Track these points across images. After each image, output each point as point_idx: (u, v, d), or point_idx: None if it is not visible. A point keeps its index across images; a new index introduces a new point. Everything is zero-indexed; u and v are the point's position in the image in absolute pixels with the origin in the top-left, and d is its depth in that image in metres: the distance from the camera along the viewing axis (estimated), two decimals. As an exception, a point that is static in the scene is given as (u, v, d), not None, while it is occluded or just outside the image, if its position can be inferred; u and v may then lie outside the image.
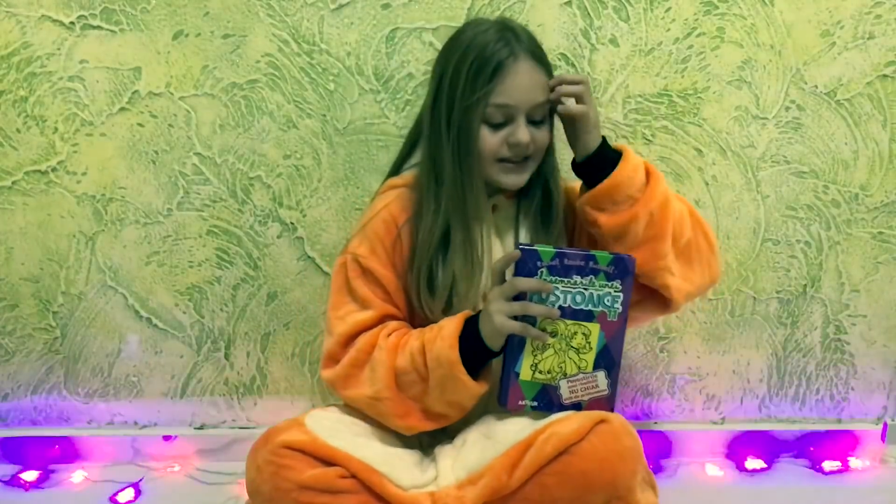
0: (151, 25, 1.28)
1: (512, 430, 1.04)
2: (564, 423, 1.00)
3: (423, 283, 1.10)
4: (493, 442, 1.04)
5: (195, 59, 1.30)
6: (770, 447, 1.45)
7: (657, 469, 1.40)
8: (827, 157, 1.37)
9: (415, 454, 1.11)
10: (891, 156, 1.37)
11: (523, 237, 1.15)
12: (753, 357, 1.45)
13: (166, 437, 1.43)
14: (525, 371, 1.03)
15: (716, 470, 1.41)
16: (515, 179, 1.11)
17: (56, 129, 1.32)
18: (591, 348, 1.03)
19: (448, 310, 1.11)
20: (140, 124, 1.32)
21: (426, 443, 1.17)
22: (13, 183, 1.34)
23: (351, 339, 1.11)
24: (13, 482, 1.37)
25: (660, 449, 1.45)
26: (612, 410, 1.04)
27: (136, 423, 1.46)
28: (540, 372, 1.03)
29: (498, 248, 1.15)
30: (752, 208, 1.38)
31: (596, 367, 1.03)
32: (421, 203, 1.12)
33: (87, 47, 1.29)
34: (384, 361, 1.06)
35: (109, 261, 1.38)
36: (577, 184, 1.15)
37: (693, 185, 1.37)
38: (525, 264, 1.00)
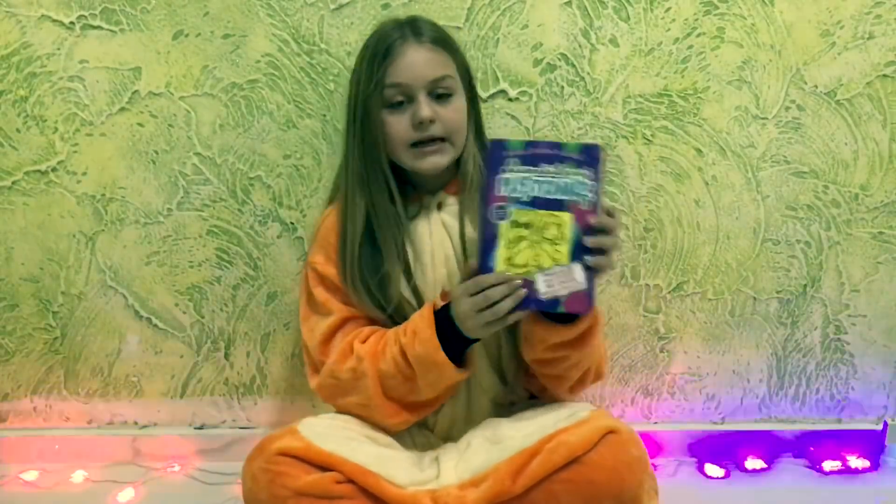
0: (151, 25, 1.28)
1: (518, 436, 1.04)
2: (573, 433, 1.00)
3: (360, 289, 1.11)
4: (499, 447, 1.04)
5: (195, 59, 1.30)
6: (770, 447, 1.45)
7: (657, 469, 1.40)
8: (827, 157, 1.37)
9: (411, 455, 1.11)
10: (891, 156, 1.37)
11: (469, 233, 1.13)
12: (753, 357, 1.45)
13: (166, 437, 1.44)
14: (500, 265, 0.99)
15: (716, 470, 1.41)
16: (433, 162, 1.10)
17: (56, 129, 1.32)
18: (564, 239, 0.99)
19: (395, 312, 1.12)
20: (140, 124, 1.32)
21: (420, 444, 1.17)
22: (13, 183, 1.34)
23: (324, 347, 1.12)
24: (13, 482, 1.38)
25: (659, 449, 1.45)
26: (591, 307, 1.00)
27: (136, 423, 1.46)
28: (514, 265, 0.99)
29: (448, 244, 1.14)
30: (752, 208, 1.38)
31: (572, 259, 0.99)
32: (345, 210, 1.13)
33: (87, 47, 1.29)
34: (368, 371, 1.07)
35: (109, 261, 1.38)
36: None
37: (693, 185, 1.37)
38: (494, 155, 1.00)
